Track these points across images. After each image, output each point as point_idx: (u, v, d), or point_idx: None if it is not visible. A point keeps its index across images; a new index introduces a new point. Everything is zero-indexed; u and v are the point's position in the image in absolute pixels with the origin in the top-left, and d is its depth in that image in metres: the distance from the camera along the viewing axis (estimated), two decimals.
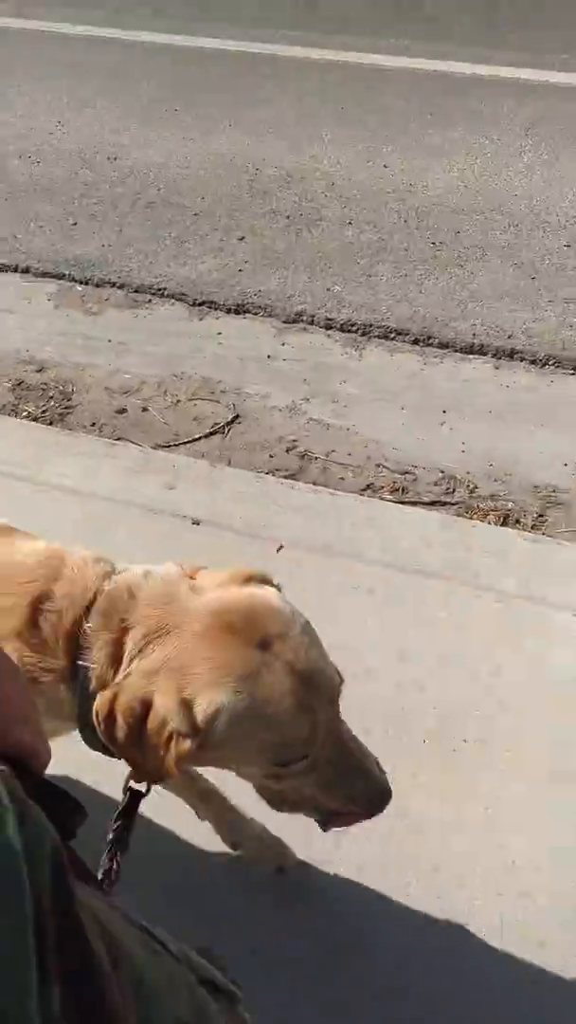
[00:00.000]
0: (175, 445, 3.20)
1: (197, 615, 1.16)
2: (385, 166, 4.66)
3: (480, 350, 3.49)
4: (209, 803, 1.76)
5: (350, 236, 4.15)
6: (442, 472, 3.04)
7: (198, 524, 2.65)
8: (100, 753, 1.25)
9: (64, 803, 0.80)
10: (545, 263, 3.88)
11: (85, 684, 1.19)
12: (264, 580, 1.28)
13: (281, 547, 2.57)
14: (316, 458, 3.12)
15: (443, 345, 3.52)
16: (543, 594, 2.43)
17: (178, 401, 3.40)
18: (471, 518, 2.86)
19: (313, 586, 2.44)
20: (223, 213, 4.38)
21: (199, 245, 4.16)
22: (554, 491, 2.95)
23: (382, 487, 3.01)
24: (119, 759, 1.20)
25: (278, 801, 1.30)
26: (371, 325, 3.62)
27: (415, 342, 3.56)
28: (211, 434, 3.24)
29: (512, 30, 5.92)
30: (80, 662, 1.19)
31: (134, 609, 1.19)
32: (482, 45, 5.71)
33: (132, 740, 1.14)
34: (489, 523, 2.84)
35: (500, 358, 3.46)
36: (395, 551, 2.58)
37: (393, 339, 3.59)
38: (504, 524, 2.84)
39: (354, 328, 3.64)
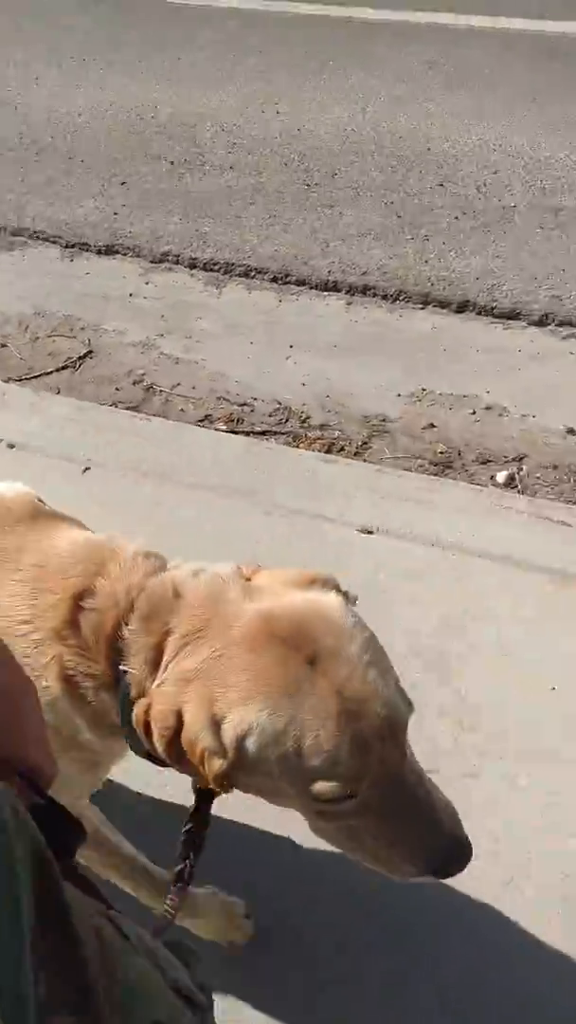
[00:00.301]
0: (27, 379, 3.27)
1: (242, 619, 1.05)
2: (278, 112, 4.68)
3: (335, 287, 3.54)
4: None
5: (229, 180, 4.18)
6: (279, 403, 3.10)
7: (13, 448, 2.72)
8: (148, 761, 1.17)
9: (65, 822, 0.80)
10: (414, 202, 3.91)
11: (126, 691, 1.08)
12: (329, 584, 1.15)
13: (87, 469, 2.65)
14: (161, 391, 3.19)
15: (300, 282, 3.57)
16: (338, 513, 2.49)
17: (37, 338, 3.46)
18: (298, 446, 2.93)
19: (124, 506, 2.51)
20: (110, 159, 4.41)
21: (81, 189, 4.20)
22: (383, 420, 3.02)
23: (219, 418, 3.07)
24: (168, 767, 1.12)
25: (334, 842, 1.13)
26: (233, 264, 3.67)
27: (273, 280, 3.61)
28: (62, 368, 3.31)
29: None
30: (121, 667, 1.09)
31: (178, 610, 1.08)
32: None
33: (171, 752, 1.05)
34: (315, 451, 2.91)
35: (353, 294, 3.51)
36: (203, 473, 2.65)
37: (253, 277, 3.64)
38: (329, 452, 2.91)
39: (216, 267, 3.69)
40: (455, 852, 1.06)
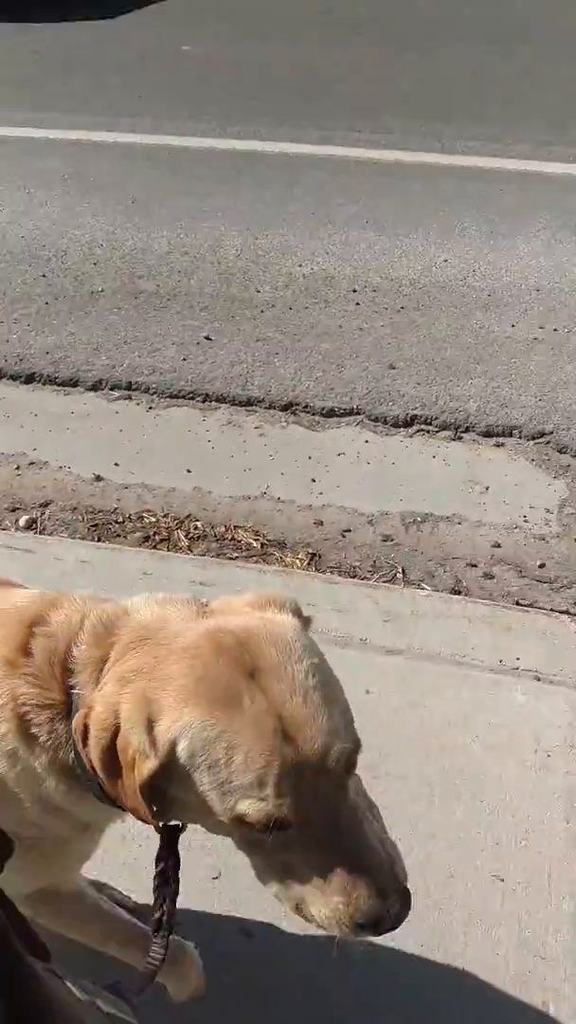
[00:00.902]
0: None
1: (189, 631, 1.02)
2: None
3: None
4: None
5: None
6: None
7: None
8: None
9: None
10: (15, 291, 4.35)
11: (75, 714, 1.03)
12: (287, 606, 1.11)
13: None
14: None
15: None
16: None
17: None
18: None
19: None
20: None
21: None
22: None
23: None
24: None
25: (264, 879, 1.07)
26: None
27: None
28: None
29: (45, 93, 6.63)
30: (72, 691, 1.05)
31: (126, 625, 1.06)
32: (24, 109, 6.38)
33: (106, 762, 0.99)
34: None
35: None
36: None
37: None
38: None
39: None
40: (389, 906, 0.98)
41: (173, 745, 0.96)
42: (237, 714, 0.94)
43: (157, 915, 1.11)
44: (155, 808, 0.99)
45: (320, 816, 0.96)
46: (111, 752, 0.98)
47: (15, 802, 1.11)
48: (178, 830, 1.11)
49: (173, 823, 1.10)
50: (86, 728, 0.99)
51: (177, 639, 1.01)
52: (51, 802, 1.11)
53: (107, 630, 1.05)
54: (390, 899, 0.98)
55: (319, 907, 1.00)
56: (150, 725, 0.95)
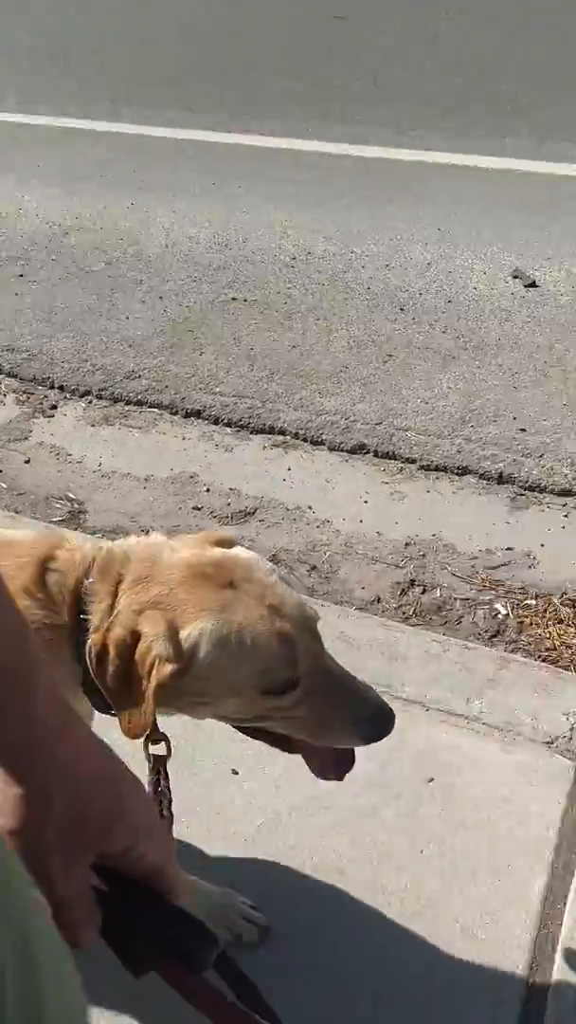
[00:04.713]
0: None
1: (176, 566, 1.29)
2: None
3: None
4: None
5: None
6: None
7: None
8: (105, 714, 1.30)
9: (193, 931, 0.76)
10: None
11: (85, 639, 1.26)
12: (232, 542, 1.41)
13: None
14: None
15: None
16: None
17: None
18: None
19: None
20: None
21: None
22: None
23: None
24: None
25: (295, 731, 1.35)
26: None
27: None
28: None
29: None
30: (83, 616, 1.27)
31: (127, 564, 1.30)
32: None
33: (120, 673, 1.21)
34: None
35: None
36: None
37: None
38: None
39: None
40: (384, 717, 1.32)
41: (194, 648, 1.21)
42: (235, 612, 1.24)
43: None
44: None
45: (316, 668, 1.28)
46: (126, 664, 1.21)
47: None
48: (164, 758, 1.37)
49: (159, 753, 1.36)
50: (104, 646, 1.22)
51: (170, 574, 1.28)
52: None
53: (113, 567, 1.29)
54: (383, 709, 1.32)
55: (334, 732, 1.32)
56: (174, 636, 1.21)
